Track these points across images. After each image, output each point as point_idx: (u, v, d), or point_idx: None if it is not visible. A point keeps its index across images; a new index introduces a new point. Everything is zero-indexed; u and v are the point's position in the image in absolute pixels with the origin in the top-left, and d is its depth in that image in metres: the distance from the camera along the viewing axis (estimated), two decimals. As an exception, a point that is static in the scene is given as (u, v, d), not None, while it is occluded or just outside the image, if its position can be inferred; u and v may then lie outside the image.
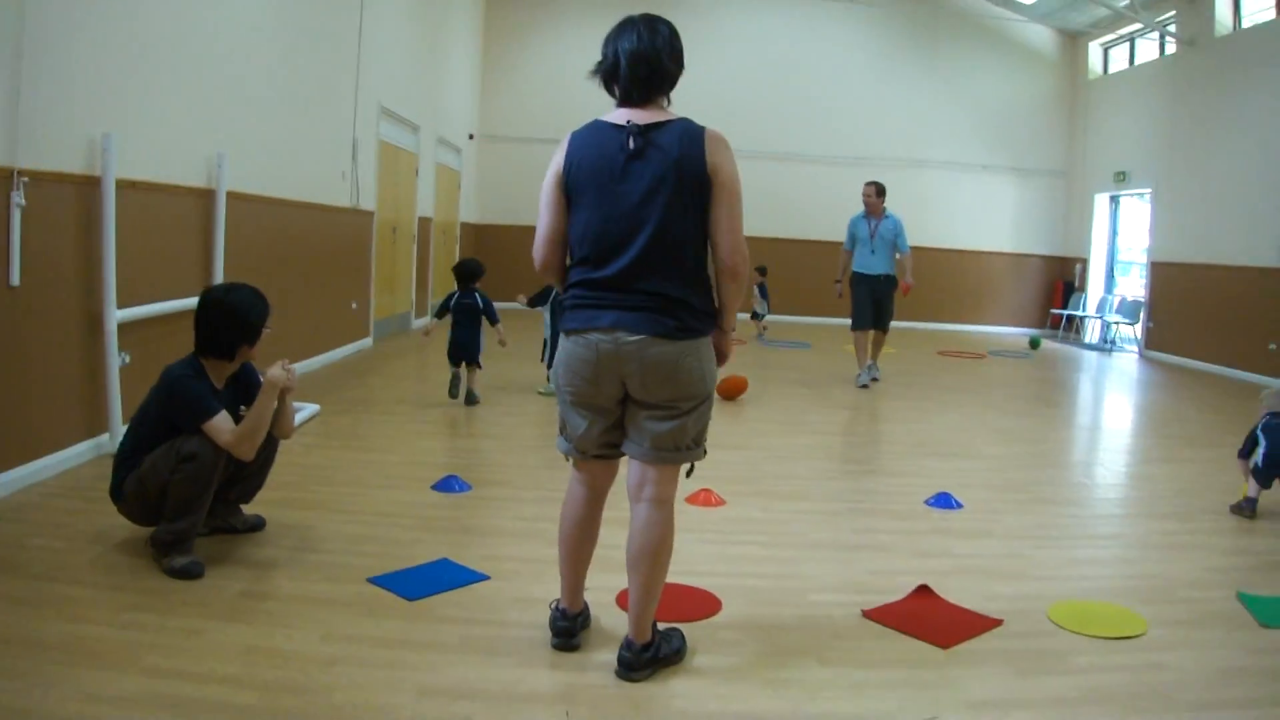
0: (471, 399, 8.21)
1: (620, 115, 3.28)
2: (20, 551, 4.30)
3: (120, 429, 5.98)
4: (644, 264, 3.19)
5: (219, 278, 7.25)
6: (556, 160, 3.34)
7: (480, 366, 8.32)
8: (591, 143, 3.27)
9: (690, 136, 3.20)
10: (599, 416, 3.37)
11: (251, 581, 4.12)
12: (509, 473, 6.11)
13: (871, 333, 10.34)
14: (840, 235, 10.74)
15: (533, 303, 8.85)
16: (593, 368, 3.27)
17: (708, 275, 3.32)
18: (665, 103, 3.34)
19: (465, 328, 8.21)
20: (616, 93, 3.33)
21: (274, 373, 4.24)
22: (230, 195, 7.48)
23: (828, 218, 17.36)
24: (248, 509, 4.81)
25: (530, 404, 8.46)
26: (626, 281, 3.21)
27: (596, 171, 3.23)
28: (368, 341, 11.76)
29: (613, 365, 3.25)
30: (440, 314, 8.45)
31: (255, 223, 8.16)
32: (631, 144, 3.19)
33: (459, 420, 7.74)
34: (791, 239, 17.70)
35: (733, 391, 9.18)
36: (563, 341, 3.36)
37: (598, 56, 3.32)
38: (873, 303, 10.10)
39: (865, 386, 10.24)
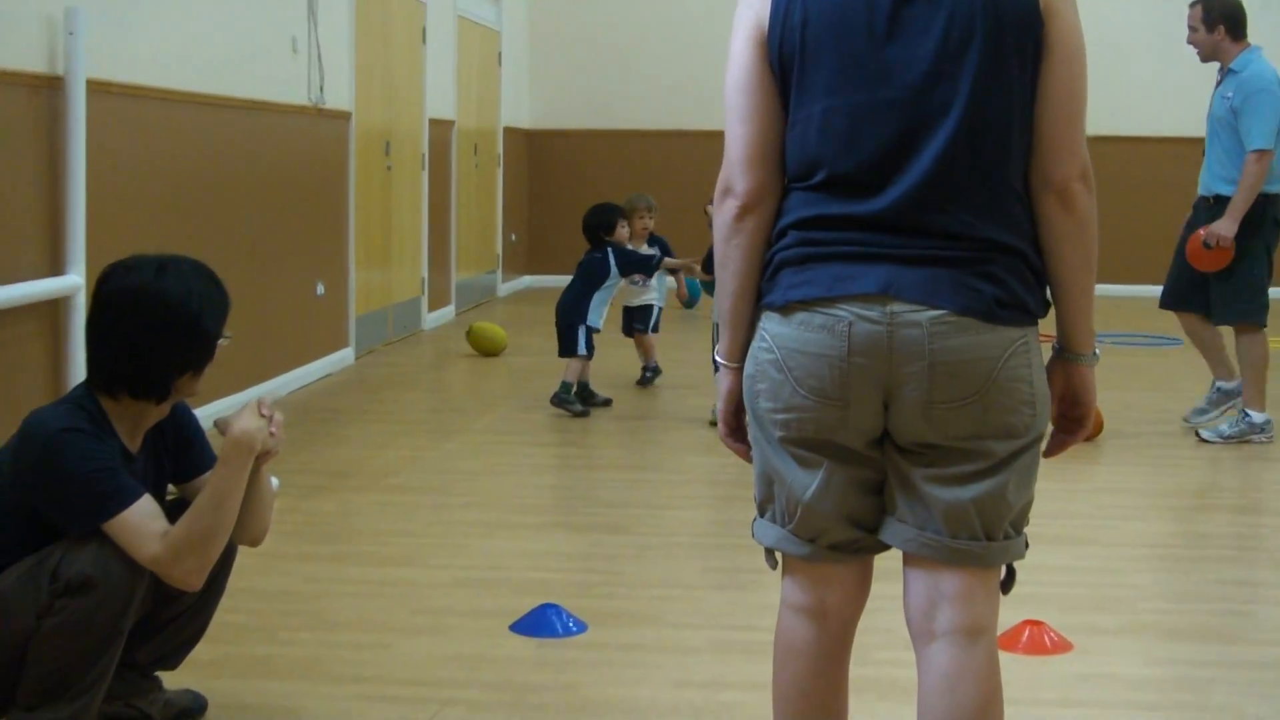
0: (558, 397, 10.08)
1: None
2: None
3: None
4: (941, 185, 3.18)
5: (77, 243, 7.47)
6: (752, 9, 3.36)
7: (578, 356, 10.19)
8: None
9: None
10: (841, 465, 3.31)
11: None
12: (653, 596, 6.17)
13: (1193, 319, 9.74)
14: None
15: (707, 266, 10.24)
16: (839, 371, 3.22)
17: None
18: None
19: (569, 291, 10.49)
20: None
21: (245, 424, 4.23)
22: (93, 87, 7.64)
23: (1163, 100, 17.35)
24: (170, 680, 4.76)
25: (691, 450, 8.85)
26: (907, 217, 3.20)
27: (839, 28, 3.23)
28: (347, 354, 12.19)
29: (878, 366, 3.20)
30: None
31: (137, 139, 8.44)
32: None
33: (544, 491, 7.96)
34: (1110, 136, 17.25)
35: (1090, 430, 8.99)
36: (769, 324, 3.33)
37: None
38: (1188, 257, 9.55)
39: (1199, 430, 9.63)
